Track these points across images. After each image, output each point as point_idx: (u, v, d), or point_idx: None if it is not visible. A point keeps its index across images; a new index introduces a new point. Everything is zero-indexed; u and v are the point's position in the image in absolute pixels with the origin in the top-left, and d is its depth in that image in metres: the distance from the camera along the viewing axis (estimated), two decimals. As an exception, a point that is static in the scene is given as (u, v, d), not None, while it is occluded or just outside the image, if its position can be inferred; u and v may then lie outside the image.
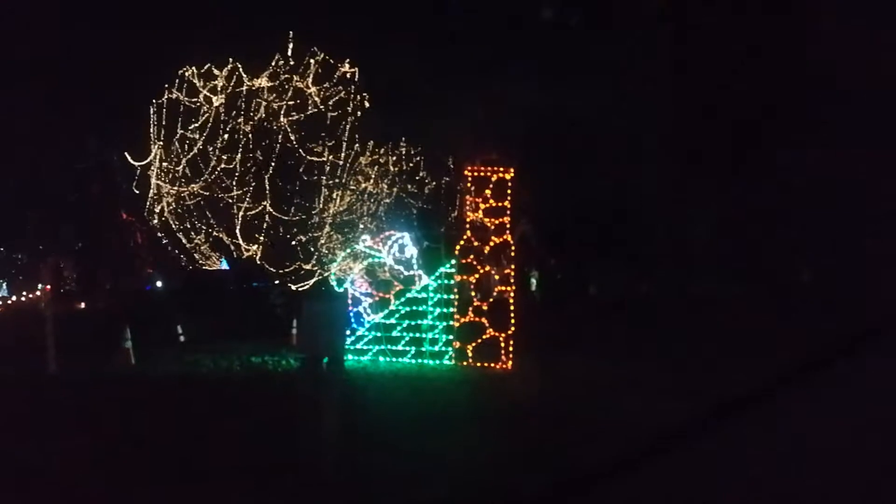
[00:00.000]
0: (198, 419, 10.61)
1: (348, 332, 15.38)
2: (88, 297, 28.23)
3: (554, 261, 33.86)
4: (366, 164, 33.96)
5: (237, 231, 32.08)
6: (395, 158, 34.50)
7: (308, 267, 32.88)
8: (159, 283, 31.67)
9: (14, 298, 20.49)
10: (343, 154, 32.70)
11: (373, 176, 34.19)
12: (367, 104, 32.58)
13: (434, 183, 35.40)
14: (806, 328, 19.37)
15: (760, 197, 28.83)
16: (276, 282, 30.57)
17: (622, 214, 31.26)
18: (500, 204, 17.32)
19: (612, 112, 29.22)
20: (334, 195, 33.10)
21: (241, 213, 32.03)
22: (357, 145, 33.10)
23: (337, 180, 32.88)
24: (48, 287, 14.78)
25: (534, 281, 32.93)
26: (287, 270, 32.05)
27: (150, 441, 9.22)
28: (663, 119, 28.98)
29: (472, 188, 17.40)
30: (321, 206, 32.69)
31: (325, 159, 32.35)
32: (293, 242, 32.52)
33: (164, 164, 32.50)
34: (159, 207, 32.75)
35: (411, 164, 34.80)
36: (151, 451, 8.84)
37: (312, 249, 32.96)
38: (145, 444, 9.10)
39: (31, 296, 19.29)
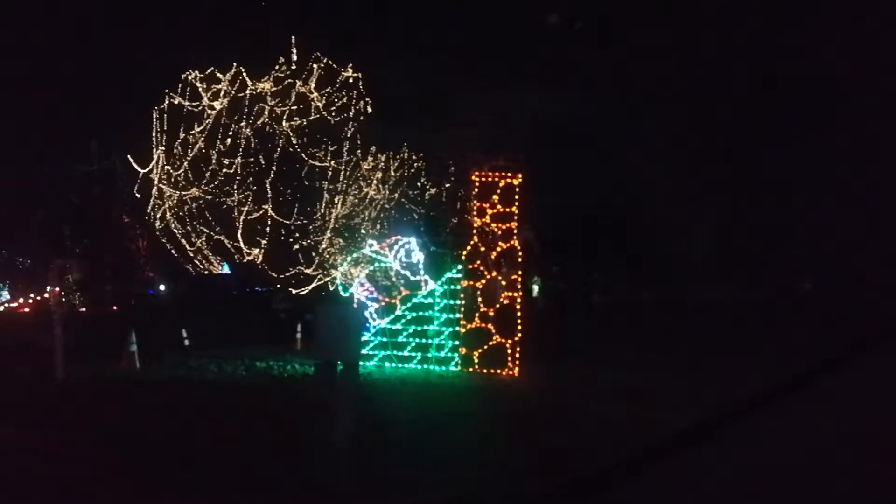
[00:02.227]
0: (219, 427, 10.38)
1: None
2: (91, 301, 28.02)
3: (556, 268, 33.73)
4: (367, 169, 33.85)
5: (238, 235, 31.91)
6: (396, 164, 34.38)
7: (309, 271, 32.75)
8: (162, 287, 31.47)
9: (21, 301, 20.28)
10: (345, 159, 32.63)
11: (374, 181, 34.07)
12: (369, 109, 32.51)
13: (435, 189, 35.23)
14: (807, 335, 19.26)
15: (762, 205, 28.75)
16: (279, 286, 30.32)
17: (624, 222, 31.15)
18: (507, 209, 17.13)
19: (615, 119, 29.15)
20: (336, 200, 32.94)
21: (242, 217, 31.87)
22: (359, 150, 33.01)
23: (339, 185, 32.76)
24: (56, 290, 14.51)
25: (535, 288, 32.78)
26: (288, 275, 31.91)
27: (166, 450, 8.99)
28: (666, 126, 28.90)
29: (479, 193, 17.26)
30: (323, 210, 32.55)
31: (326, 164, 32.24)
32: (295, 247, 32.40)
33: (167, 167, 32.36)
34: (161, 211, 32.59)
35: (412, 170, 34.67)
36: (169, 459, 8.62)
37: (314, 254, 32.82)
38: (162, 452, 8.87)
39: (38, 298, 19.22)
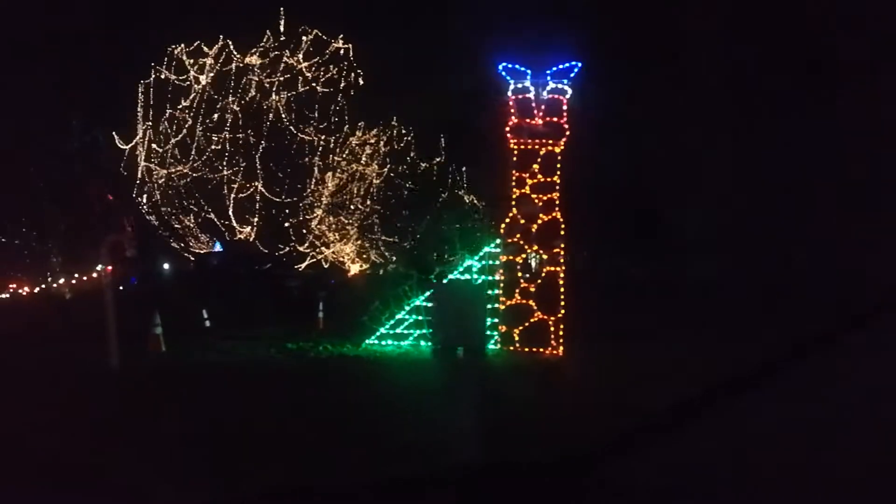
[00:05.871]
0: (298, 413, 9.20)
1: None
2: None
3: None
4: (357, 144, 32.66)
5: (230, 213, 30.54)
6: (385, 139, 33.21)
7: (302, 248, 31.51)
8: (166, 266, 29.93)
9: (63, 280, 18.59)
10: (334, 135, 31.43)
11: (364, 157, 32.91)
12: (360, 81, 31.30)
13: (426, 164, 34.06)
14: (809, 310, 18.44)
15: (775, 184, 28.30)
16: (286, 264, 29.01)
17: (631, 199, 30.56)
18: (548, 179, 16.05)
19: (618, 99, 28.40)
20: (326, 176, 31.74)
21: (232, 195, 30.52)
22: (347, 126, 31.76)
23: (329, 161, 31.54)
24: (108, 268, 12.93)
25: (533, 263, 31.73)
26: (281, 252, 30.60)
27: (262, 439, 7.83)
28: (670, 107, 28.31)
29: (518, 162, 16.10)
30: (313, 187, 31.34)
31: (316, 139, 31.02)
32: (286, 224, 31.12)
33: (153, 144, 30.84)
34: (147, 189, 31.06)
35: (401, 145, 33.51)
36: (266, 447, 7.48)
37: (305, 231, 31.56)
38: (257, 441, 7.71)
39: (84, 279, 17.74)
